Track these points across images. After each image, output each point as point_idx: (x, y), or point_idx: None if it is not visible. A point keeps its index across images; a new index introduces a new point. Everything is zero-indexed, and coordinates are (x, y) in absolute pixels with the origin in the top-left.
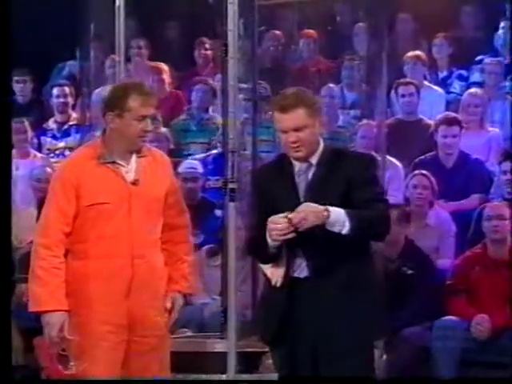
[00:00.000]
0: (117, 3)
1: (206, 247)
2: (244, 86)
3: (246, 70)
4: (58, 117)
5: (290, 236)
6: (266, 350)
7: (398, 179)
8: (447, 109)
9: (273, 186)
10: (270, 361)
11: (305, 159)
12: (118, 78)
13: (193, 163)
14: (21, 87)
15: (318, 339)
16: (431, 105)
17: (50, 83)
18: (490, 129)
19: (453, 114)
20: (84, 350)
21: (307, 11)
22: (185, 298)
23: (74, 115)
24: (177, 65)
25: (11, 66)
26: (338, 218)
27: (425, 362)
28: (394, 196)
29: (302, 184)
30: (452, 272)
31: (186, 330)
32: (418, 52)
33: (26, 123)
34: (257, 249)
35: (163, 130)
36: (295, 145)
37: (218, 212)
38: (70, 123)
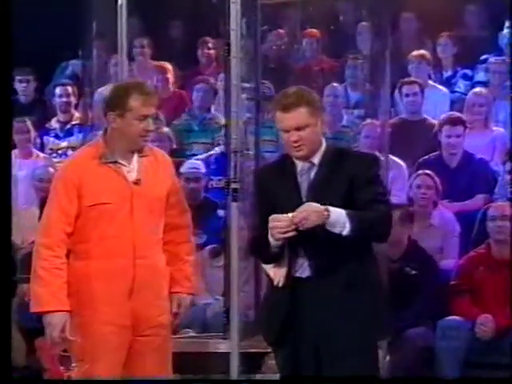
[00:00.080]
0: (119, 2)
1: (208, 247)
2: (247, 85)
3: (248, 70)
4: (61, 116)
5: (291, 234)
6: (269, 350)
7: (401, 179)
8: (452, 108)
9: (275, 186)
10: (273, 361)
11: (306, 158)
12: (121, 77)
13: (195, 163)
14: (23, 87)
15: (320, 339)
16: (435, 104)
17: (52, 83)
18: (495, 128)
19: (457, 114)
20: (86, 350)
21: (310, 10)
22: (191, 299)
23: (77, 115)
24: (179, 64)
25: (13, 66)
26: (339, 219)
27: (428, 362)
28: (397, 196)
29: (304, 184)
30: (456, 272)
31: (189, 330)
32: (422, 51)
33: (29, 123)
34: (259, 248)
35: (165, 129)
36: (297, 144)
37: (221, 212)
38: (73, 123)
